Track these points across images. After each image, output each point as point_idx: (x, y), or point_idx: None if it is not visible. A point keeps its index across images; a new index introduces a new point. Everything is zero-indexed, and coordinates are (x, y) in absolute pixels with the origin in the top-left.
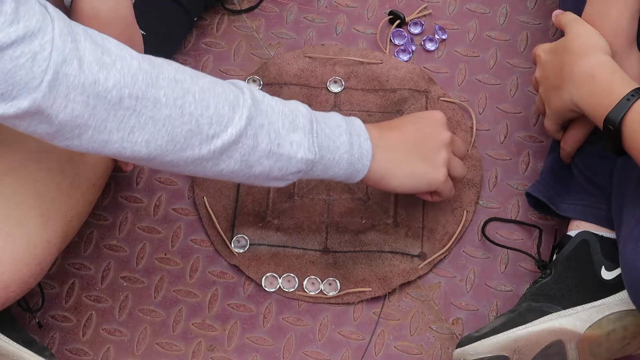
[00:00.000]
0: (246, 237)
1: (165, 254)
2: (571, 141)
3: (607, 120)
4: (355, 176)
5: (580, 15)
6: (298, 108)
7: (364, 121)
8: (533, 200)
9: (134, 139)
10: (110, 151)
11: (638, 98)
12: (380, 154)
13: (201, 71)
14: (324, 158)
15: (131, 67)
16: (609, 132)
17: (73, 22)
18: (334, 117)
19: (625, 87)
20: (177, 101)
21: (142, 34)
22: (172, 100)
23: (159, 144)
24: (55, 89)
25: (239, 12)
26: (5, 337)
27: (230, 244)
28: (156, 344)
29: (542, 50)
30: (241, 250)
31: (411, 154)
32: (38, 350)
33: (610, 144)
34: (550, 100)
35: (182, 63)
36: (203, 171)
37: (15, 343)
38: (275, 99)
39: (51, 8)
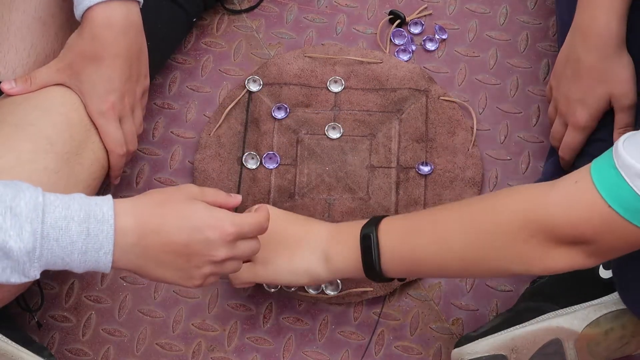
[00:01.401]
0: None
1: None
2: (569, 148)
3: None
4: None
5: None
6: (21, 233)
7: (364, 121)
8: None
9: None
10: None
11: None
12: (126, 260)
13: (201, 71)
14: (53, 266)
15: None
16: None
17: None
18: (71, 232)
19: None
20: None
21: None
22: None
23: None
24: None
25: (239, 12)
26: (5, 337)
27: None
28: (156, 344)
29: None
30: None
31: (166, 263)
32: (37, 350)
33: None
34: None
35: (182, 63)
36: None
37: (14, 343)
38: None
39: None
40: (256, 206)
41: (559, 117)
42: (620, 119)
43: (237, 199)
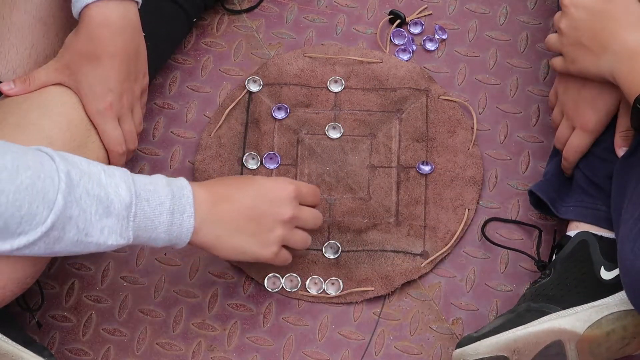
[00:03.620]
0: (338, 244)
1: (165, 254)
2: (574, 151)
3: (639, 100)
4: (174, 247)
5: None
6: (118, 189)
7: (364, 121)
8: (534, 199)
9: None
10: None
11: None
12: (205, 228)
13: (201, 71)
14: (139, 238)
15: None
16: (637, 111)
17: None
18: (159, 192)
19: None
20: None
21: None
22: None
23: None
24: None
25: (239, 12)
26: (5, 337)
27: None
28: (156, 344)
29: (574, 4)
30: (333, 257)
31: (240, 229)
32: (37, 350)
33: (636, 121)
34: (577, 58)
35: (182, 63)
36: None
37: (14, 343)
38: (94, 176)
39: None
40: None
41: (566, 120)
42: (623, 122)
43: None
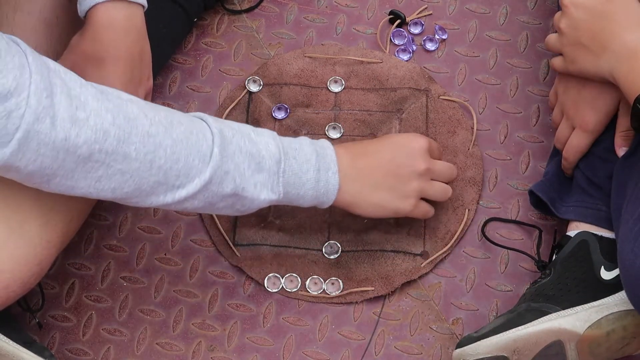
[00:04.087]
0: (338, 244)
1: (165, 254)
2: (574, 150)
3: (638, 99)
4: (320, 205)
5: None
6: (268, 146)
7: (364, 121)
8: (534, 199)
9: (100, 186)
10: (77, 194)
11: None
12: (347, 185)
13: (201, 71)
14: (288, 194)
15: (104, 123)
16: (637, 111)
17: (53, 71)
18: (305, 150)
19: None
20: (148, 155)
21: None
22: (143, 154)
23: (125, 191)
24: (25, 145)
25: (239, 12)
26: (5, 338)
27: (233, 244)
28: (156, 344)
29: (574, 4)
30: (333, 257)
31: (379, 184)
32: (38, 351)
33: (636, 121)
34: (577, 58)
35: (182, 63)
36: (166, 208)
37: (15, 343)
38: (245, 134)
39: (31, 57)
40: None
41: (566, 120)
42: (623, 122)
43: None
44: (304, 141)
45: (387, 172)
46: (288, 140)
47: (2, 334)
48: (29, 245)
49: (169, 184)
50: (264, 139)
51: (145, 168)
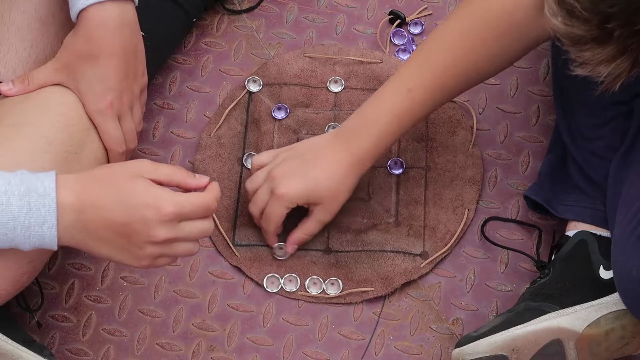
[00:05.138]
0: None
1: None
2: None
3: None
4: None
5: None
6: None
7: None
8: (532, 203)
9: None
10: None
11: None
12: (68, 235)
13: (201, 71)
14: None
15: None
16: None
17: None
18: (12, 206)
19: None
20: None
21: (142, 35)
22: None
23: None
24: None
25: (239, 12)
26: (5, 337)
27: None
28: (156, 344)
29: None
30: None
31: (107, 242)
32: (37, 350)
33: None
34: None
35: (182, 63)
36: None
37: (14, 342)
38: None
39: None
40: (205, 180)
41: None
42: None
43: (201, 180)
44: (16, 191)
45: (118, 234)
46: None
47: (2, 333)
48: None
49: None
50: None
51: None
